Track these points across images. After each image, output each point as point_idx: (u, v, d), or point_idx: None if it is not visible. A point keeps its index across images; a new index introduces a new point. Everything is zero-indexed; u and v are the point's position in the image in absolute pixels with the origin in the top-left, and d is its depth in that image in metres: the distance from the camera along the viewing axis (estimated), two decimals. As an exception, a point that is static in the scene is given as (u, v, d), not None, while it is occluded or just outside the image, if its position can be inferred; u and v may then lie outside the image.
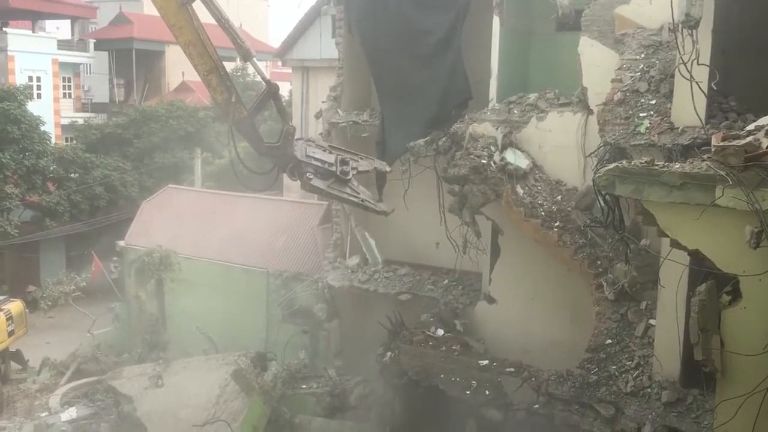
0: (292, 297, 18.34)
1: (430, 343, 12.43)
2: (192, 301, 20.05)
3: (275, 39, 57.07)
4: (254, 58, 10.99)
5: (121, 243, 22.69)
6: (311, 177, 10.96)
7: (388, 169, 12.24)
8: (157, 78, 45.28)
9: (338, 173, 11.20)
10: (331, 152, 11.43)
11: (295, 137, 11.15)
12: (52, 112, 36.13)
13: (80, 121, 37.48)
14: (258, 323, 19.02)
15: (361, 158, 11.82)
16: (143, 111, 35.95)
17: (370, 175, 12.54)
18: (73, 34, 42.32)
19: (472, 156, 12.40)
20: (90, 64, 43.41)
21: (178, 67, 44.70)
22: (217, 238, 20.98)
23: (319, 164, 11.13)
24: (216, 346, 18.60)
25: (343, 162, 11.25)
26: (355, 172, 11.44)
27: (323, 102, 16.37)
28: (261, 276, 19.32)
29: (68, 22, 42.81)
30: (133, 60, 43.21)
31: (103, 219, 30.04)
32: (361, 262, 15.97)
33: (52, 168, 29.10)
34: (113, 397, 16.77)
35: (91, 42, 42.13)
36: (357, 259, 16.05)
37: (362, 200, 11.51)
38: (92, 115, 40.93)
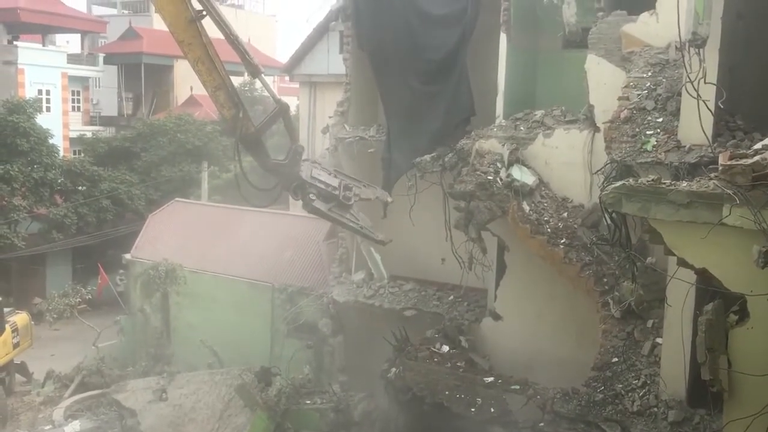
0: (297, 312, 18.32)
1: (435, 360, 12.38)
2: (197, 314, 20.06)
3: (283, 54, 57.45)
4: (263, 74, 11.08)
5: (128, 256, 22.73)
6: (314, 198, 11.01)
7: (389, 199, 12.25)
8: (165, 92, 45.59)
9: (341, 198, 11.24)
10: (336, 176, 11.46)
11: (303, 157, 11.20)
12: (60, 125, 36.35)
13: (88, 135, 37.71)
14: (263, 338, 19.00)
15: (365, 186, 11.86)
16: (151, 125, 36.15)
17: (374, 203, 12.56)
18: (82, 48, 42.68)
19: (478, 172, 12.41)
20: (99, 78, 43.73)
21: (187, 82, 44.95)
22: (223, 252, 21.01)
23: (322, 186, 11.18)
24: (220, 360, 18.58)
25: (347, 188, 11.30)
26: (357, 198, 11.48)
27: (330, 117, 16.44)
28: (266, 290, 19.32)
29: (78, 36, 43.19)
30: (141, 74, 43.53)
31: (109, 232, 30.13)
32: (367, 278, 15.95)
33: (59, 181, 29.26)
34: (117, 411, 16.75)
35: (101, 56, 42.46)
36: (362, 275, 16.03)
37: (361, 227, 11.55)
38: (100, 128, 41.18)
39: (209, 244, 21.56)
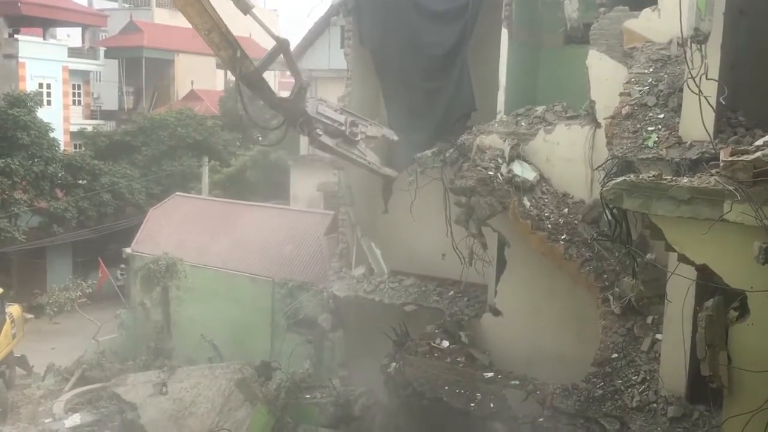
0: (298, 306, 18.35)
1: (435, 355, 12.39)
2: (197, 309, 20.09)
3: (284, 49, 57.20)
4: (254, 10, 10.96)
5: (128, 250, 22.76)
6: (320, 133, 10.98)
7: (395, 137, 12.17)
8: (166, 86, 45.55)
9: (347, 133, 11.20)
10: (341, 113, 11.44)
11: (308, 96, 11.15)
12: (61, 119, 36.34)
13: (89, 128, 37.70)
14: (263, 332, 19.03)
15: (371, 124, 11.82)
16: (152, 119, 36.14)
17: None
18: (83, 41, 42.65)
19: (479, 168, 12.40)
20: (100, 72, 43.72)
21: (188, 76, 44.95)
22: (224, 247, 21.03)
23: (329, 122, 11.15)
24: (221, 354, 18.61)
25: (353, 124, 11.27)
26: (363, 135, 11.46)
27: (331, 112, 16.41)
28: (266, 285, 19.34)
29: (79, 29, 43.15)
30: (142, 68, 43.49)
31: (110, 226, 30.16)
32: (367, 273, 15.96)
33: (60, 174, 29.25)
34: (117, 404, 16.76)
35: (102, 50, 42.43)
36: (363, 269, 16.04)
37: (369, 162, 11.55)
38: (101, 122, 41.17)
39: (210, 239, 21.58)
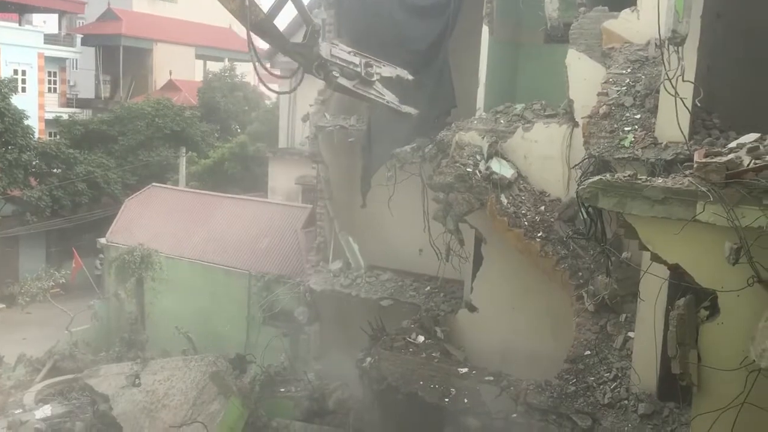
0: (274, 299, 18.29)
1: (411, 350, 12.43)
2: (172, 300, 19.94)
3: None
4: None
5: (103, 240, 22.54)
6: (337, 75, 10.99)
7: (410, 77, 12.22)
8: (144, 76, 45.06)
9: (363, 74, 11.24)
10: (355, 55, 11.50)
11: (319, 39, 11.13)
12: (36, 107, 35.83)
13: (65, 117, 37.19)
14: (238, 325, 18.94)
15: (384, 65, 11.87)
16: (129, 108, 35.76)
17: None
18: (60, 28, 42.03)
19: (457, 164, 12.43)
20: (76, 60, 43.13)
21: (166, 66, 44.50)
22: (200, 239, 20.89)
23: (344, 65, 11.17)
24: (195, 346, 18.48)
25: (368, 65, 11.32)
26: (378, 76, 11.48)
27: (311, 105, 16.37)
28: (243, 277, 19.25)
29: (56, 16, 42.51)
30: (120, 57, 42.99)
31: (85, 215, 29.82)
32: (344, 267, 15.96)
33: (34, 163, 28.87)
34: (89, 396, 16.60)
35: (79, 37, 41.86)
36: (340, 264, 16.04)
37: (388, 101, 11.58)
38: (77, 110, 40.65)
39: (186, 230, 21.42)
